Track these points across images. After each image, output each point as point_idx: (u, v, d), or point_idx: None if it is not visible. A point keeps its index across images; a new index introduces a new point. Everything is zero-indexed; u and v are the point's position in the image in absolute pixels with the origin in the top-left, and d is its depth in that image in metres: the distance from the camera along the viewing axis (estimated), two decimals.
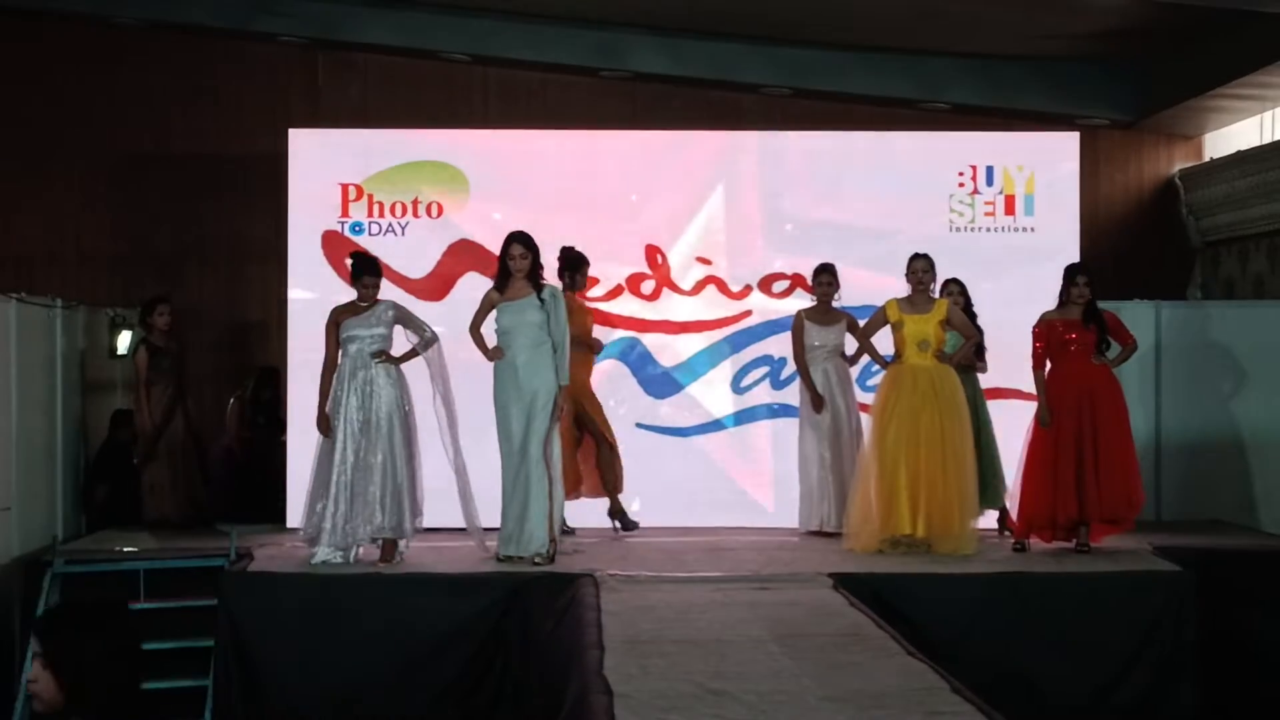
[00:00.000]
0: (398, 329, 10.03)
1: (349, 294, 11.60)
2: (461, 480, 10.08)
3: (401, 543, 9.94)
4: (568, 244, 11.09)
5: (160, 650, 9.41)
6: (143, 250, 14.35)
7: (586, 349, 11.06)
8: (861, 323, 11.02)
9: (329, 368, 9.95)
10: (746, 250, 12.08)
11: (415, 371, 10.08)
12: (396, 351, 9.98)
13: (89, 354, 12.20)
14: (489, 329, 10.07)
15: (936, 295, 10.72)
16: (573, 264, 11.09)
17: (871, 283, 11.43)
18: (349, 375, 9.88)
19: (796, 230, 12.06)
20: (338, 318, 10.00)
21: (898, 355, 10.60)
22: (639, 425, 11.79)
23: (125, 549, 10.62)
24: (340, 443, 9.81)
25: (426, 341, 10.03)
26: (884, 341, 10.77)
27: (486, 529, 10.12)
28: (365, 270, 10.04)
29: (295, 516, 11.56)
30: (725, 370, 12.03)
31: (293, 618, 9.40)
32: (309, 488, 9.96)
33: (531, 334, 9.91)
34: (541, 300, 9.92)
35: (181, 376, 11.91)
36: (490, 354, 10.01)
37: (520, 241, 10.01)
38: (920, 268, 10.55)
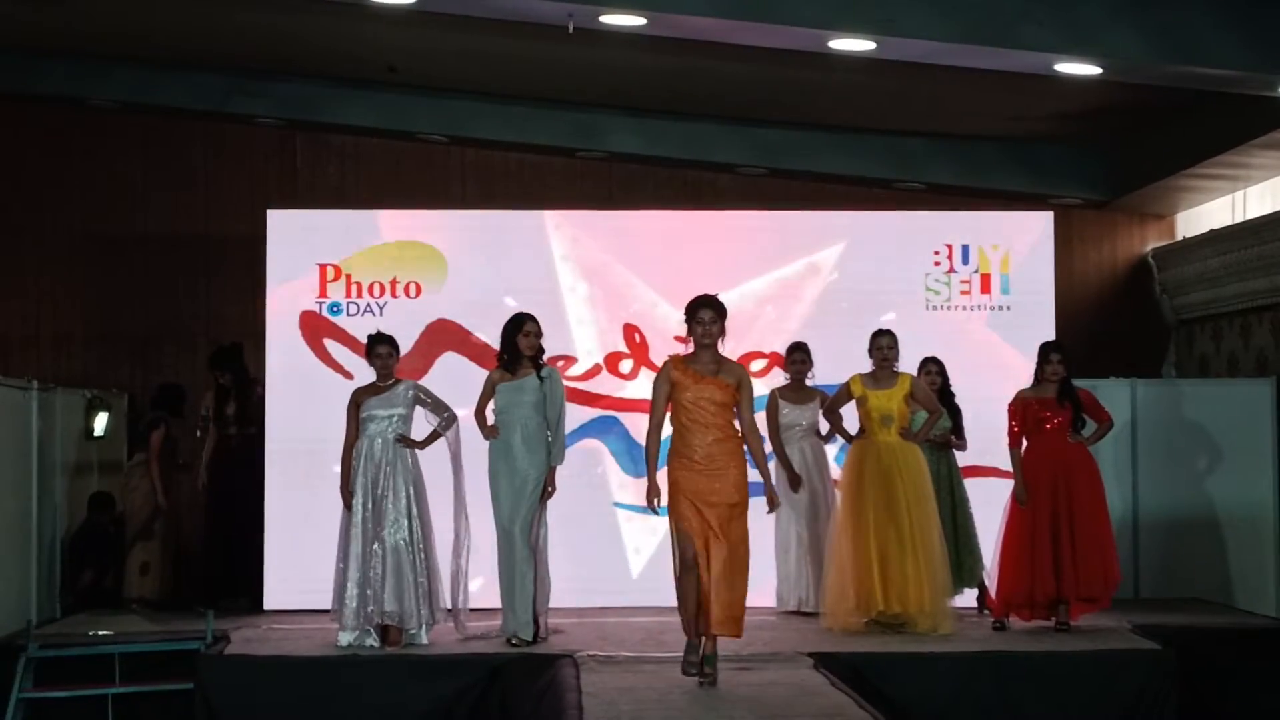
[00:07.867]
0: (417, 409, 10.00)
1: (327, 374, 11.67)
2: (456, 562, 10.00)
3: (420, 627, 9.82)
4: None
5: None
6: (119, 332, 14.31)
7: None
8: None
9: (349, 448, 9.91)
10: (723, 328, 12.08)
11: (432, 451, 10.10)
12: (416, 431, 9.96)
13: (65, 436, 12.13)
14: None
15: (901, 370, 10.67)
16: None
17: (848, 361, 11.47)
18: (366, 455, 9.85)
19: (773, 309, 12.09)
20: (358, 398, 9.96)
21: (862, 431, 10.60)
22: (616, 504, 11.74)
23: (100, 633, 10.54)
24: (358, 524, 9.78)
25: (447, 421, 10.01)
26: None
27: (473, 609, 10.11)
28: (378, 340, 10.03)
29: (273, 597, 11.57)
30: None
31: (269, 701, 9.32)
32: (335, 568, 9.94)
33: (526, 414, 9.90)
34: (540, 380, 9.91)
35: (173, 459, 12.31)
36: (486, 433, 10.00)
37: (535, 320, 10.03)
38: (885, 344, 10.53)
